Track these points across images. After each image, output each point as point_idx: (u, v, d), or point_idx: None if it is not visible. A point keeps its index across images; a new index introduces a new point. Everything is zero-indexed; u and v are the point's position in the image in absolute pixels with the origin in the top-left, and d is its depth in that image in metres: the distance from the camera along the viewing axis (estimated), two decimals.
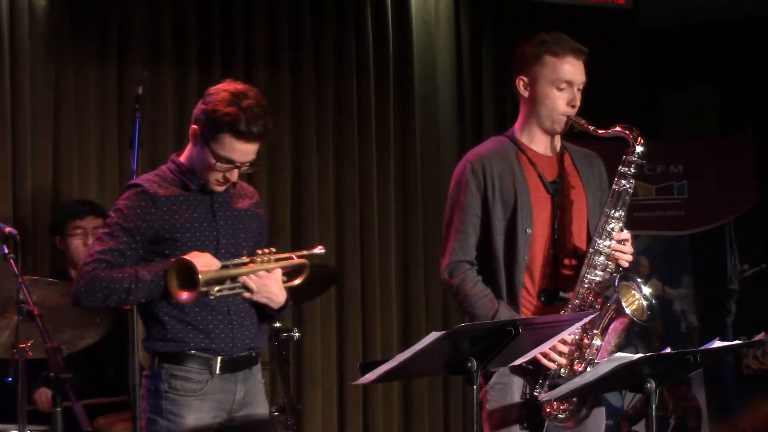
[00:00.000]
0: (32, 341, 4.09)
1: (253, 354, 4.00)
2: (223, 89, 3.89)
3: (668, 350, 3.69)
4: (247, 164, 3.91)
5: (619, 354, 3.61)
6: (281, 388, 5.59)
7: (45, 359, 3.65)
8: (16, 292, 3.89)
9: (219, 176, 3.91)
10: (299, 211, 6.61)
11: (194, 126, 3.92)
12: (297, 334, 5.34)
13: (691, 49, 7.54)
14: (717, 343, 3.77)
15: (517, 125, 4.24)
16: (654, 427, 3.68)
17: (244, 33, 6.50)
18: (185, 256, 3.78)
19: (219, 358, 3.89)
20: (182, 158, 3.99)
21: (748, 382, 7.21)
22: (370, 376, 3.51)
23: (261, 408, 4.03)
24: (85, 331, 4.69)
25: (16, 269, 3.93)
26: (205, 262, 3.79)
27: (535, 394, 4.01)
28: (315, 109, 6.67)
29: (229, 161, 3.87)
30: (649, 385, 3.62)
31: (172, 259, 3.80)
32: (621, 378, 3.64)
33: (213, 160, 3.87)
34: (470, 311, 4.07)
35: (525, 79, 4.17)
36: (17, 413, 4.06)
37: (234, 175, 3.92)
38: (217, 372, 3.89)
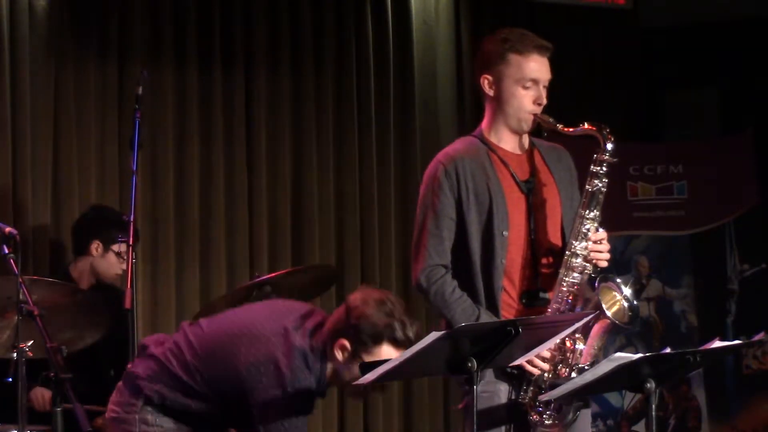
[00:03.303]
0: (32, 341, 4.09)
1: None
2: (371, 300, 3.80)
3: (668, 350, 3.69)
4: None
5: (619, 354, 3.60)
6: None
7: (45, 359, 3.65)
8: (16, 292, 3.89)
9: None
10: (299, 211, 6.61)
11: (342, 340, 3.77)
12: None
13: (691, 49, 7.53)
14: (717, 343, 3.77)
15: (484, 125, 4.16)
16: (654, 427, 3.67)
17: (244, 33, 6.50)
18: None
19: None
20: (328, 369, 3.81)
21: (748, 382, 7.20)
22: (370, 376, 3.50)
23: None
24: (85, 331, 4.68)
25: (16, 269, 3.93)
26: None
27: (520, 399, 3.98)
28: (315, 109, 6.67)
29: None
30: (649, 385, 3.61)
31: None
32: (621, 378, 3.64)
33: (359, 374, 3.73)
34: (450, 317, 3.99)
35: (489, 77, 4.10)
36: (17, 413, 4.06)
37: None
38: None
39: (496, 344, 3.45)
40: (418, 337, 3.73)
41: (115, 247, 5.46)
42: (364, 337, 3.74)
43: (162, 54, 6.27)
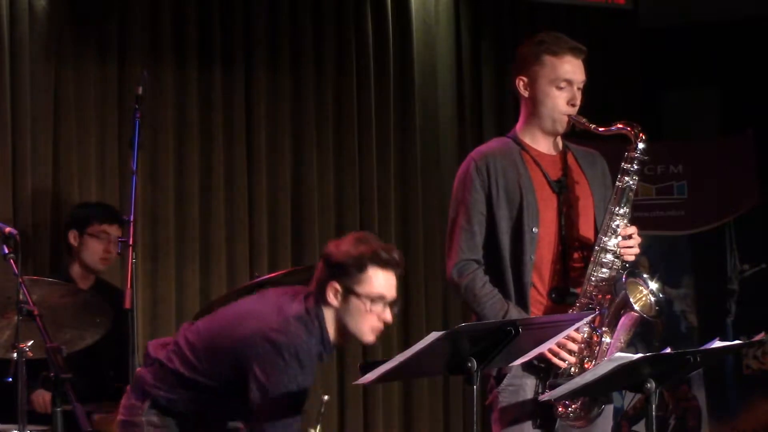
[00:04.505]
0: (32, 341, 4.09)
1: None
2: (344, 241, 3.86)
3: (668, 350, 3.69)
4: (394, 301, 3.85)
5: (619, 354, 3.61)
6: None
7: (45, 359, 3.65)
8: (16, 292, 3.89)
9: (374, 321, 3.81)
10: (299, 211, 6.61)
11: (330, 284, 3.80)
12: None
13: (692, 49, 7.53)
14: (717, 343, 3.77)
15: (518, 126, 4.24)
16: (654, 427, 3.68)
17: (244, 33, 6.50)
18: None
19: None
20: (329, 324, 3.82)
21: (748, 382, 7.20)
22: (370, 376, 3.51)
23: None
24: (85, 331, 4.69)
25: (16, 269, 3.93)
26: None
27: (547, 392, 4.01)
28: (315, 109, 6.67)
29: (381, 296, 3.81)
30: (649, 385, 3.62)
31: None
32: (621, 378, 3.64)
33: (367, 304, 3.79)
34: (479, 312, 4.06)
35: (525, 79, 4.18)
36: (17, 413, 4.06)
37: (387, 316, 3.83)
38: None
39: (496, 344, 3.45)
40: (402, 261, 3.85)
41: (90, 230, 5.51)
42: (350, 269, 3.78)
43: (162, 54, 6.27)
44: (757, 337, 4.11)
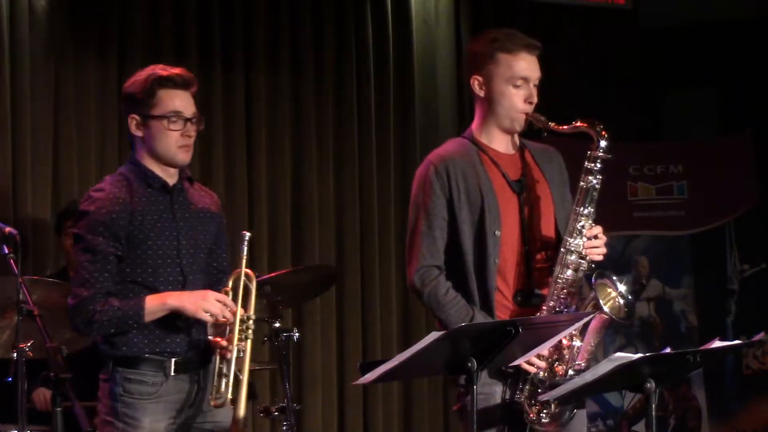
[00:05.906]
0: (32, 341, 4.08)
1: (207, 353, 3.96)
2: (133, 76, 4.04)
3: (668, 350, 3.69)
4: (195, 118, 3.96)
5: (619, 354, 3.60)
6: (281, 388, 5.59)
7: (45, 359, 3.65)
8: (16, 292, 3.89)
9: (177, 138, 3.92)
10: (299, 211, 6.61)
11: (130, 117, 3.95)
12: (297, 334, 5.33)
13: (691, 49, 7.54)
14: (717, 343, 3.77)
15: (474, 126, 4.14)
16: (654, 427, 3.67)
17: (244, 33, 6.50)
18: None
19: (173, 360, 3.89)
20: (144, 158, 4.00)
21: (748, 382, 7.21)
22: (370, 376, 3.50)
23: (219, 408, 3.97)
24: None
25: (16, 269, 3.93)
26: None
27: (516, 398, 3.97)
28: (315, 109, 6.67)
29: (176, 113, 3.91)
30: (649, 385, 3.61)
31: None
32: (621, 378, 3.64)
33: (165, 123, 3.90)
34: (444, 319, 3.98)
35: (479, 78, 4.07)
36: (17, 413, 4.06)
37: (190, 130, 3.94)
38: (172, 373, 3.89)
39: (496, 344, 3.45)
40: (192, 78, 3.98)
41: (64, 231, 5.53)
42: (141, 98, 3.94)
43: (162, 54, 6.26)
44: (757, 337, 4.10)
